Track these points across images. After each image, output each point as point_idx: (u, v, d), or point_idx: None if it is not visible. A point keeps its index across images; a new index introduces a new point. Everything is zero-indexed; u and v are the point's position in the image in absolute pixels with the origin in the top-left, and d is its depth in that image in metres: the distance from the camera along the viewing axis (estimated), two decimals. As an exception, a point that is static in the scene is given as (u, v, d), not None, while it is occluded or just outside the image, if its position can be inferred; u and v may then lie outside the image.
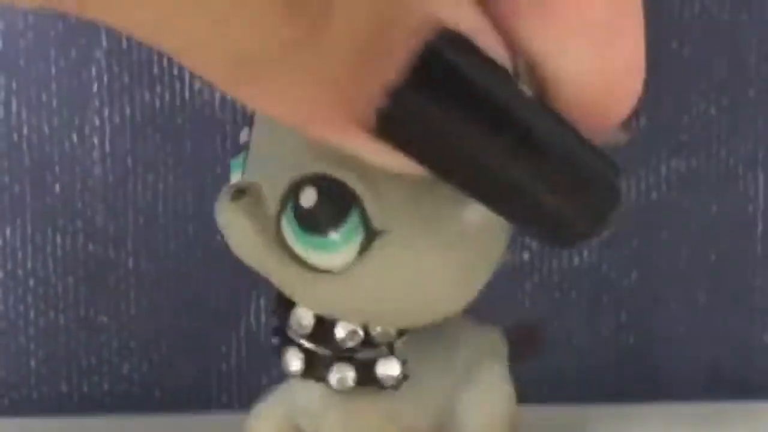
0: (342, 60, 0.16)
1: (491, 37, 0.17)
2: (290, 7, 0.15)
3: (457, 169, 0.17)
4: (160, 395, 0.38)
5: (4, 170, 0.37)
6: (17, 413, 0.37)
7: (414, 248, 0.20)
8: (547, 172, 0.17)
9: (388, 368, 0.23)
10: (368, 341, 0.23)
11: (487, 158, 0.16)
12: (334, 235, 0.20)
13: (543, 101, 0.17)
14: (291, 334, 0.23)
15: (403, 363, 0.23)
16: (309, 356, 0.23)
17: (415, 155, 0.17)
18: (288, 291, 0.21)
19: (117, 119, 0.37)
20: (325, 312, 0.22)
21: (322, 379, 0.23)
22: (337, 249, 0.20)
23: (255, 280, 0.23)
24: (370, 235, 0.20)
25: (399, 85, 0.16)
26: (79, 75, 0.36)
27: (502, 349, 0.26)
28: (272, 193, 0.21)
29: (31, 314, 0.37)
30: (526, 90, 0.17)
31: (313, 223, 0.20)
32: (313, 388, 0.23)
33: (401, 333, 0.23)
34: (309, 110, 0.16)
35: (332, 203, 0.20)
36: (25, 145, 0.37)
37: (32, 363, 0.38)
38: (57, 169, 0.37)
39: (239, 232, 0.21)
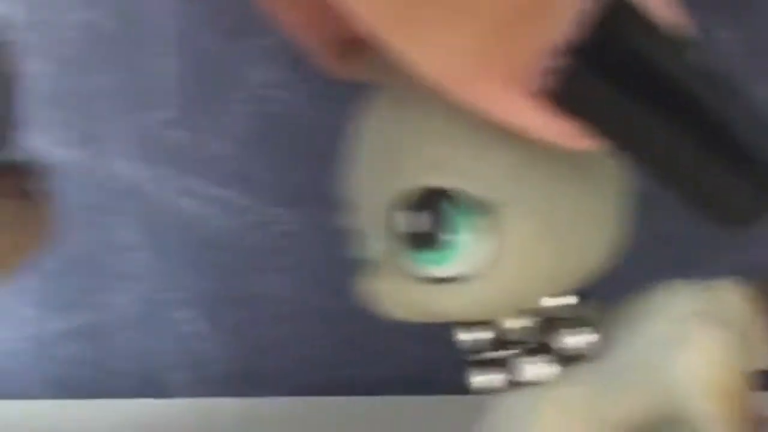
0: (513, 5, 0.15)
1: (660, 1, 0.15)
2: None
3: (629, 139, 0.16)
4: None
5: (292, 157, 0.37)
6: (301, 395, 0.38)
7: (534, 212, 0.19)
8: (712, 142, 0.16)
9: (576, 340, 0.21)
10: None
11: (658, 130, 0.16)
12: (454, 236, 0.19)
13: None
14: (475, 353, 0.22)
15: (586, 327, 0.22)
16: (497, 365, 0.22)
17: (585, 122, 0.16)
18: (436, 315, 0.21)
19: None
20: (475, 318, 0.21)
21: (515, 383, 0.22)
22: (465, 246, 0.19)
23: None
24: (490, 216, 0.19)
25: (573, 45, 0.15)
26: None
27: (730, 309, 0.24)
28: (378, 238, 0.20)
29: (316, 300, 0.38)
30: (696, 55, 0.16)
31: (428, 239, 0.20)
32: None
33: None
34: (468, 62, 0.15)
35: (432, 211, 0.19)
36: (312, 133, 0.37)
37: (316, 348, 0.38)
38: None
39: (389, 299, 0.20)
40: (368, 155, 0.21)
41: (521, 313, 0.22)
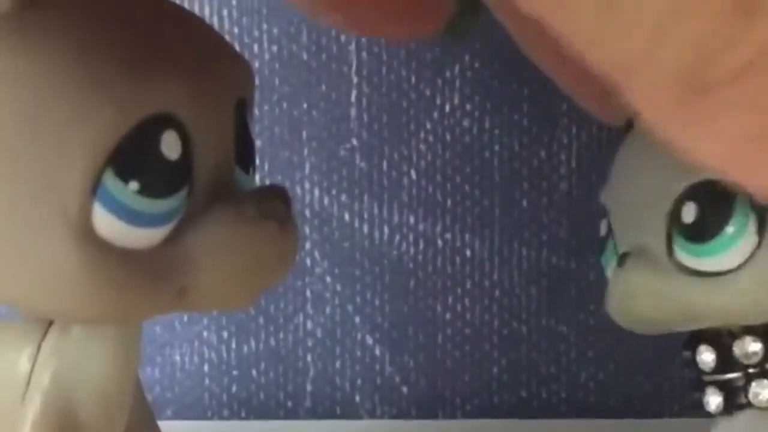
0: None
1: None
2: (749, 13, 0.13)
3: None
4: (614, 403, 0.38)
5: (475, 185, 0.37)
6: (479, 417, 0.38)
7: None
8: None
9: None
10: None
11: None
12: (729, 229, 0.19)
13: None
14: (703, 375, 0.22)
15: None
16: (725, 387, 0.22)
17: None
18: (689, 314, 0.20)
19: (584, 137, 0.36)
20: (735, 317, 0.21)
21: (742, 405, 0.22)
22: (736, 241, 0.19)
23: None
24: (761, 213, 0.19)
25: None
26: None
27: None
28: (647, 230, 0.20)
29: (495, 323, 0.38)
30: None
31: (704, 232, 0.20)
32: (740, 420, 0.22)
33: None
34: (759, 145, 0.14)
35: (715, 205, 0.19)
36: (496, 161, 0.37)
37: (495, 370, 0.38)
38: (525, 185, 0.37)
39: (644, 293, 0.20)
40: (645, 154, 0.21)
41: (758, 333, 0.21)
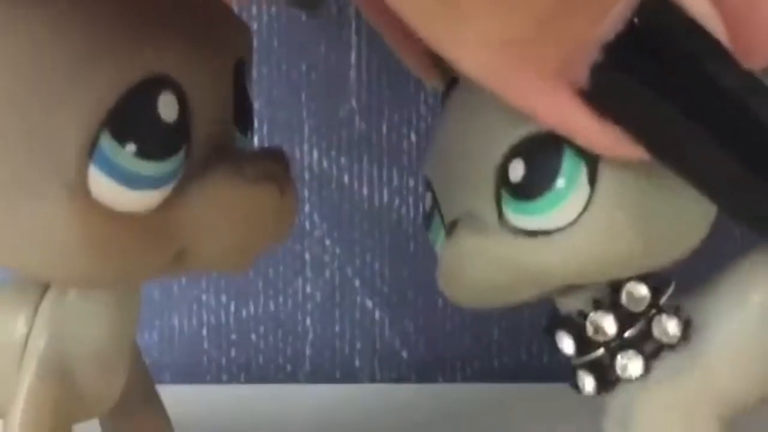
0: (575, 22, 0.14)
1: (702, 2, 0.15)
2: None
3: (667, 143, 0.15)
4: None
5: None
6: (480, 381, 0.38)
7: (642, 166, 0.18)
8: (757, 150, 0.15)
9: (665, 326, 0.20)
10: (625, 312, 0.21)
11: (698, 136, 0.15)
12: (559, 182, 0.19)
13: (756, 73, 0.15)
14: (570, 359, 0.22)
15: (678, 314, 0.21)
16: (593, 368, 0.21)
17: (629, 126, 0.15)
18: (526, 276, 0.20)
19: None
20: (573, 277, 0.20)
21: (615, 381, 0.21)
22: (567, 195, 0.19)
23: None
24: (592, 162, 0.18)
25: (616, 38, 0.14)
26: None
27: None
28: (474, 194, 0.20)
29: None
30: (737, 58, 0.15)
31: (533, 188, 0.19)
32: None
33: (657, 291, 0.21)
34: (508, 55, 0.15)
35: (544, 159, 0.19)
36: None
37: (495, 333, 0.38)
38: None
39: (477, 256, 0.20)
40: (466, 118, 0.20)
41: (610, 285, 0.21)
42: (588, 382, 0.21)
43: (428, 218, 0.22)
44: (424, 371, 0.38)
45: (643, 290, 0.21)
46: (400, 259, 0.38)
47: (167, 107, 0.19)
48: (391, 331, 0.38)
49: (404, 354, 0.38)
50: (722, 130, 0.15)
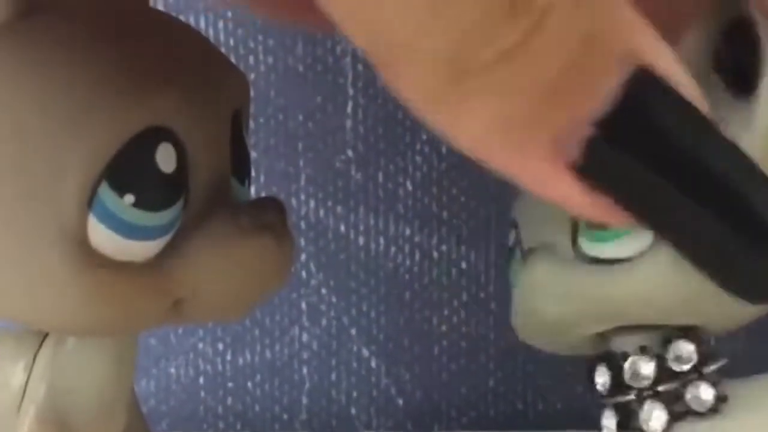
0: (548, 73, 0.14)
1: (688, 79, 0.15)
2: (514, 5, 0.14)
3: (656, 215, 0.16)
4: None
5: (471, 197, 0.37)
6: (476, 429, 0.38)
7: None
8: (736, 221, 0.16)
9: (700, 394, 0.20)
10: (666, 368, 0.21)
11: (682, 207, 0.16)
12: None
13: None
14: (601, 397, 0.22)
15: (716, 387, 0.21)
16: (619, 409, 0.21)
17: (619, 199, 0.16)
18: (593, 308, 0.20)
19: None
20: (635, 312, 0.20)
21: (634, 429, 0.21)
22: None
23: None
24: None
25: (607, 114, 0.15)
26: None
27: None
28: (551, 224, 0.20)
29: (491, 335, 0.38)
30: (724, 132, 0.16)
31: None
32: None
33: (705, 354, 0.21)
34: (507, 133, 0.15)
35: None
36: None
37: (491, 382, 0.38)
38: (521, 196, 0.37)
39: (545, 285, 0.20)
40: None
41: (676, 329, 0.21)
42: (610, 422, 0.21)
43: (509, 253, 0.22)
44: (420, 420, 0.38)
45: (691, 351, 0.21)
46: (397, 307, 0.38)
47: (165, 158, 0.19)
48: (387, 380, 0.38)
49: (400, 402, 0.38)
50: (707, 203, 0.16)
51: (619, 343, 0.21)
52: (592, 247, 0.20)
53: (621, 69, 0.15)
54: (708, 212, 0.16)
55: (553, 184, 0.16)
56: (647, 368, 0.21)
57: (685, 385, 0.21)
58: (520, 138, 0.15)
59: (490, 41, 0.14)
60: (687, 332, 0.21)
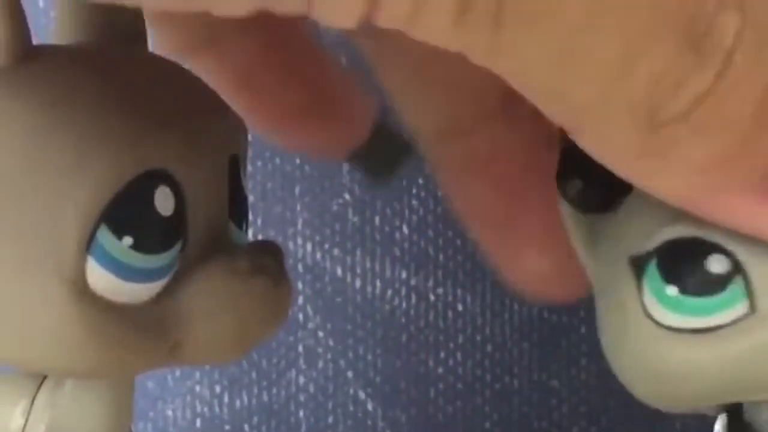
0: (744, 112, 0.14)
1: None
2: (699, 48, 0.14)
3: None
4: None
5: (467, 240, 0.37)
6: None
7: None
8: None
9: None
10: None
11: None
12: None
13: None
14: None
15: None
16: None
17: None
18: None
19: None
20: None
21: None
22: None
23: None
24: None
25: None
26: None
27: None
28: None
29: (487, 377, 0.38)
30: None
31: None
32: None
33: None
34: (711, 177, 0.15)
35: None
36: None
37: (486, 424, 0.38)
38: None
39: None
40: None
41: None
42: None
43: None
44: (417, 462, 0.38)
45: None
46: (393, 350, 0.38)
47: (164, 201, 0.19)
48: (383, 423, 0.38)
49: (397, 445, 0.38)
50: None
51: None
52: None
53: None
54: None
55: (759, 220, 0.16)
56: None
57: None
58: (728, 179, 0.15)
59: (682, 87, 0.14)
60: None
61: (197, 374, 0.38)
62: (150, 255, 0.19)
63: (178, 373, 0.38)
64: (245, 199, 0.22)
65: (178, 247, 0.19)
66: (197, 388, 0.39)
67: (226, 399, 0.39)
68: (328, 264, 0.38)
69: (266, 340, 0.21)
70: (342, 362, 0.38)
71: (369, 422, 0.38)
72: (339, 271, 0.38)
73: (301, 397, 0.38)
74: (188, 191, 0.20)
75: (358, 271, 0.38)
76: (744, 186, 0.15)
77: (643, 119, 0.14)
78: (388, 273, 0.38)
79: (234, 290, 0.20)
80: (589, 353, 0.38)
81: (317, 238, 0.38)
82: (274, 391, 0.38)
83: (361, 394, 0.38)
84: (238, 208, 0.21)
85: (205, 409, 0.39)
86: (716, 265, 0.18)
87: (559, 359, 0.39)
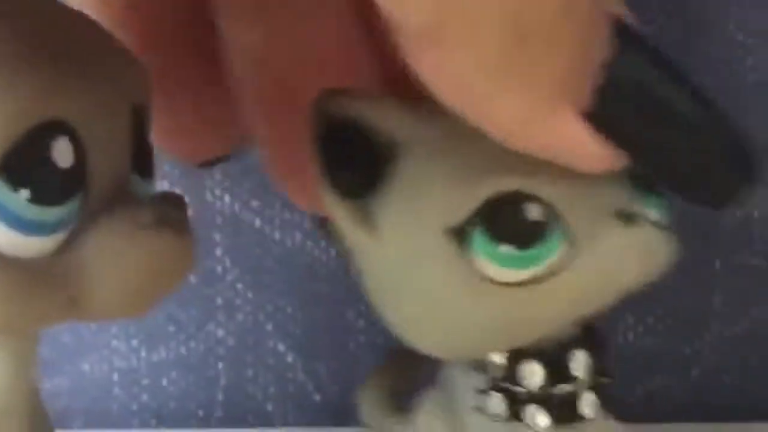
0: (573, 45, 0.16)
1: None
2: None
3: (648, 153, 0.17)
4: None
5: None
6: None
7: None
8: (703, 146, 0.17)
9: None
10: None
11: (669, 142, 0.17)
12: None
13: None
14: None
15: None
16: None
17: (629, 135, 0.17)
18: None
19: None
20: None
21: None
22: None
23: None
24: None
25: (610, 57, 0.16)
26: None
27: None
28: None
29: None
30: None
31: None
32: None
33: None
34: (534, 106, 0.16)
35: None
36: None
37: (408, 376, 0.38)
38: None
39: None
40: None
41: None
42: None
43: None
44: (337, 415, 0.38)
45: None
46: (313, 303, 0.38)
47: (62, 153, 0.18)
48: (304, 375, 0.38)
49: (317, 398, 0.38)
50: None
51: None
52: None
53: (612, 16, 0.16)
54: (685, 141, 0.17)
55: (560, 134, 0.16)
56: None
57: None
58: (545, 109, 0.16)
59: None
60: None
61: (114, 328, 0.38)
62: (48, 208, 0.18)
63: (94, 327, 0.38)
64: (151, 149, 0.21)
65: (77, 199, 0.19)
66: (114, 342, 0.38)
67: (143, 353, 0.38)
68: (246, 215, 0.37)
69: (182, 292, 0.21)
70: (261, 315, 0.38)
71: (289, 375, 0.38)
72: (258, 223, 0.37)
73: (220, 350, 0.38)
74: (88, 142, 0.19)
75: (278, 222, 0.37)
76: (569, 103, 0.16)
77: (511, 30, 0.15)
78: (307, 224, 0.37)
79: (135, 243, 0.19)
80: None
81: (236, 189, 0.37)
82: (193, 344, 0.38)
83: (281, 347, 0.38)
84: (142, 160, 0.21)
85: (122, 363, 0.38)
86: (534, 212, 0.19)
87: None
